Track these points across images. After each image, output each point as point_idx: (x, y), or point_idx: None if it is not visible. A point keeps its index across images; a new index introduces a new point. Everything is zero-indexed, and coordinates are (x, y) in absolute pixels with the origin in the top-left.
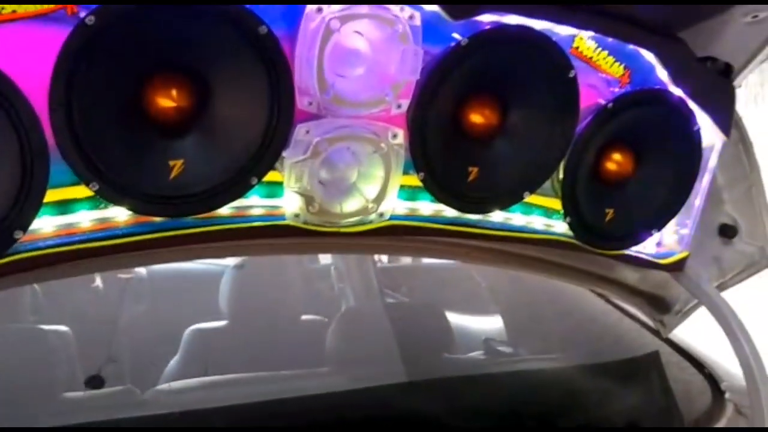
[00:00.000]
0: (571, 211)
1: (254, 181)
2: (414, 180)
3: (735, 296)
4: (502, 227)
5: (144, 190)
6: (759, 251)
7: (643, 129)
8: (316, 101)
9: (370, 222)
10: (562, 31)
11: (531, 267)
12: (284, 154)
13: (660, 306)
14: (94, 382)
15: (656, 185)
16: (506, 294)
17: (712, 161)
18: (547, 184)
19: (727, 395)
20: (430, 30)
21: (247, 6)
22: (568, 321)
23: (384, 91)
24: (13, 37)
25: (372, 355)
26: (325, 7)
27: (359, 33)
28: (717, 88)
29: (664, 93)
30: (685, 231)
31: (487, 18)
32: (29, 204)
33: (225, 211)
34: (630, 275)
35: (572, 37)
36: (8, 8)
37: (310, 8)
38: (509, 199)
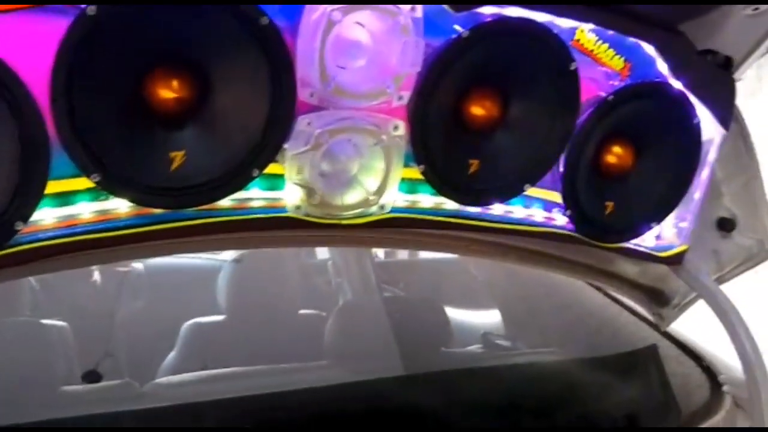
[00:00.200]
0: (571, 203)
1: (255, 172)
2: (414, 173)
3: (732, 289)
4: (502, 220)
5: (145, 182)
6: (757, 244)
7: (643, 122)
8: (317, 93)
9: (371, 214)
10: (563, 23)
11: (531, 260)
12: (285, 145)
13: (659, 299)
14: (91, 377)
15: (656, 178)
16: (504, 288)
17: (711, 155)
18: (548, 176)
19: (725, 388)
20: (431, 22)
21: None
22: (566, 315)
23: (385, 83)
24: (14, 28)
25: (370, 349)
26: None
27: (361, 24)
28: (717, 81)
29: (665, 86)
30: (684, 224)
31: (488, 10)
32: (30, 195)
33: (226, 203)
34: (629, 268)
35: (573, 30)
36: None
37: None
38: (510, 191)
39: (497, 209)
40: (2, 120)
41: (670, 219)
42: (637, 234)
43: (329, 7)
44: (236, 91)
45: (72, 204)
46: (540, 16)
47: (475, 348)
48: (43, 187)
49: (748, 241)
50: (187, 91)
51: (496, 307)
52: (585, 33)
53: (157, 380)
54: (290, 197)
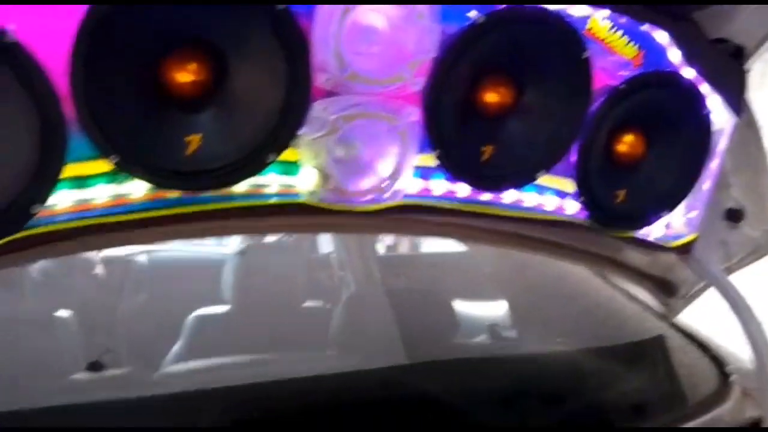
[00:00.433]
0: (583, 191)
1: (271, 157)
2: (428, 159)
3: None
4: (514, 208)
5: (163, 164)
6: (765, 235)
7: (655, 111)
8: (333, 78)
9: (384, 201)
10: (576, 11)
11: (541, 249)
12: (301, 131)
13: (667, 289)
14: (95, 367)
15: (667, 168)
16: (510, 281)
17: (721, 145)
18: (561, 164)
19: (732, 377)
20: (446, 8)
21: None
22: (572, 306)
23: (401, 69)
24: (32, 11)
25: (375, 341)
26: None
27: (376, 10)
28: (729, 69)
29: (676, 76)
30: (693, 214)
31: None
32: (47, 178)
33: (241, 188)
34: (638, 258)
35: (586, 18)
36: None
37: None
38: (523, 177)
39: (509, 197)
40: (21, 103)
41: (680, 208)
42: (649, 222)
43: None
44: (253, 75)
45: (89, 187)
46: (553, 4)
47: (480, 339)
48: (60, 169)
49: (756, 232)
50: (204, 74)
51: (501, 299)
52: (598, 21)
53: (165, 369)
54: (305, 183)
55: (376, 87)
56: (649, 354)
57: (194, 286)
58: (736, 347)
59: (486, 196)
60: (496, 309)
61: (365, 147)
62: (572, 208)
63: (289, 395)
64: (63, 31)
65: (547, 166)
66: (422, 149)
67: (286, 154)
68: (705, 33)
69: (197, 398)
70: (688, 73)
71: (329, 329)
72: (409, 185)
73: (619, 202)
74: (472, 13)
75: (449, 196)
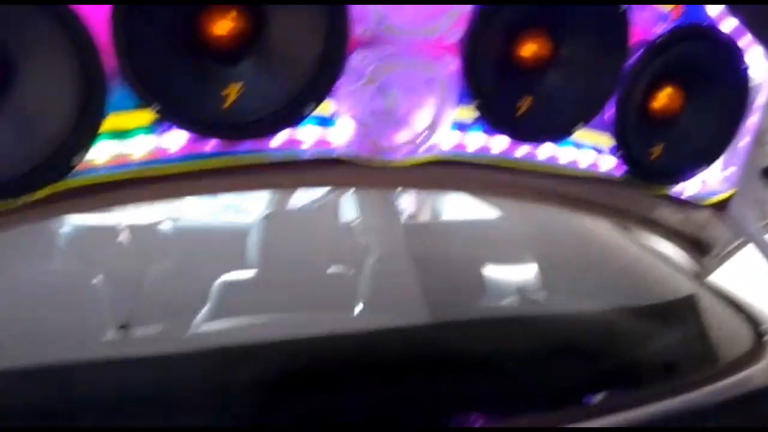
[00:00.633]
0: (621, 145)
1: (310, 108)
2: (464, 113)
3: None
4: (548, 163)
5: (202, 114)
6: None
7: (692, 65)
8: (371, 29)
9: (419, 155)
10: None
11: (574, 205)
12: (339, 81)
13: (700, 248)
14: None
15: (705, 122)
16: (537, 245)
17: (760, 100)
18: (598, 119)
19: (767, 337)
20: None
21: None
22: (601, 267)
23: (439, 20)
24: None
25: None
26: None
27: None
28: None
29: (714, 29)
30: (729, 171)
31: None
32: (88, 129)
33: (277, 141)
34: (672, 216)
35: None
36: None
37: None
38: (561, 130)
39: (543, 153)
40: (63, 56)
41: (716, 165)
42: (685, 178)
43: None
44: (291, 26)
45: (128, 138)
46: None
47: (509, 301)
48: (101, 120)
49: None
50: (243, 23)
51: (529, 263)
52: None
53: (195, 329)
54: (341, 136)
55: (414, 38)
56: (680, 313)
57: (219, 254)
58: None
59: (521, 152)
60: (523, 273)
61: (403, 98)
62: (608, 164)
63: (321, 351)
64: None
65: (585, 120)
66: (461, 101)
67: (323, 107)
68: None
69: (231, 354)
70: (729, 25)
71: (355, 293)
72: (446, 139)
73: (655, 157)
74: None
75: (484, 152)
